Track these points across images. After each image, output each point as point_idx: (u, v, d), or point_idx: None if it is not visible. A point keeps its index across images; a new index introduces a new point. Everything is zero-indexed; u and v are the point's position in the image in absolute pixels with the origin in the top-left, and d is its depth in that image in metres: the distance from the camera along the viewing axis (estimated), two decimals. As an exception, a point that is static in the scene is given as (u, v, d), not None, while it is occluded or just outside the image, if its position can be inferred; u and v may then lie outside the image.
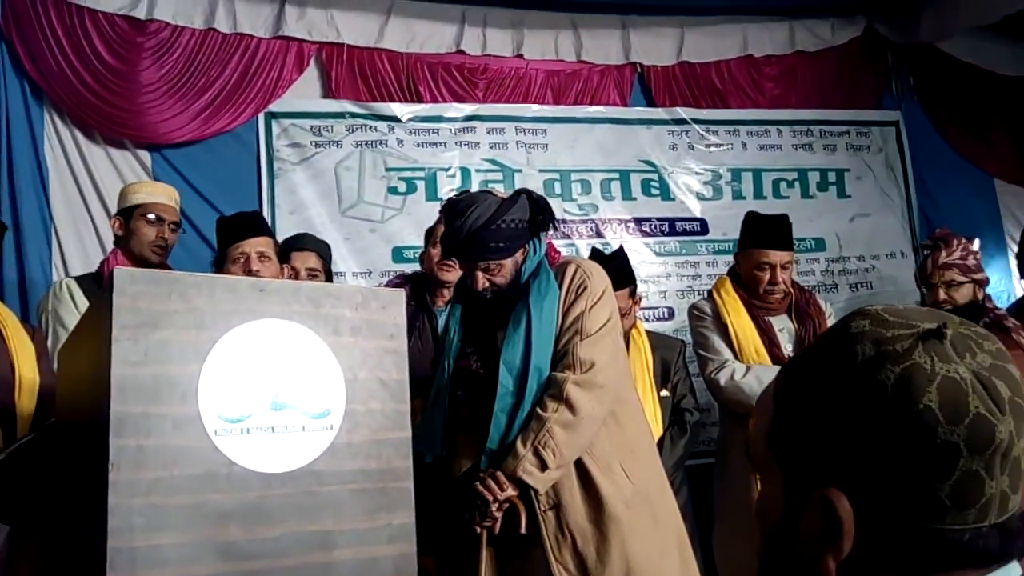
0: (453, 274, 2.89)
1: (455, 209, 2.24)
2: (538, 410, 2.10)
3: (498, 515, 2.09)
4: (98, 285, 2.80)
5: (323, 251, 3.10)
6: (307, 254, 3.02)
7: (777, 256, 3.09)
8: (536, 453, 2.05)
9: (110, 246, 3.63)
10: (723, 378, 3.01)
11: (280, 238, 3.77)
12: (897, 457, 0.71)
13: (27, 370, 2.28)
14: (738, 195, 4.75)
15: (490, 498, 2.07)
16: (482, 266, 2.22)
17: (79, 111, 3.94)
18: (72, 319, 2.66)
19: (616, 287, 3.02)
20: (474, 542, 2.12)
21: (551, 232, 2.37)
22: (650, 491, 2.20)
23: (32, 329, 2.47)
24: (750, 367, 3.00)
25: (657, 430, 2.91)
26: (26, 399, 2.25)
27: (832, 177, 4.89)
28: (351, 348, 1.67)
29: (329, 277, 3.08)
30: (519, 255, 2.25)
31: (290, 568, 1.51)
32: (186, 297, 1.52)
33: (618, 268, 3.16)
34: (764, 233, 3.13)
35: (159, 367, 1.46)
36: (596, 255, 3.32)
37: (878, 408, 0.72)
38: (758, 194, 4.77)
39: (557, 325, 2.18)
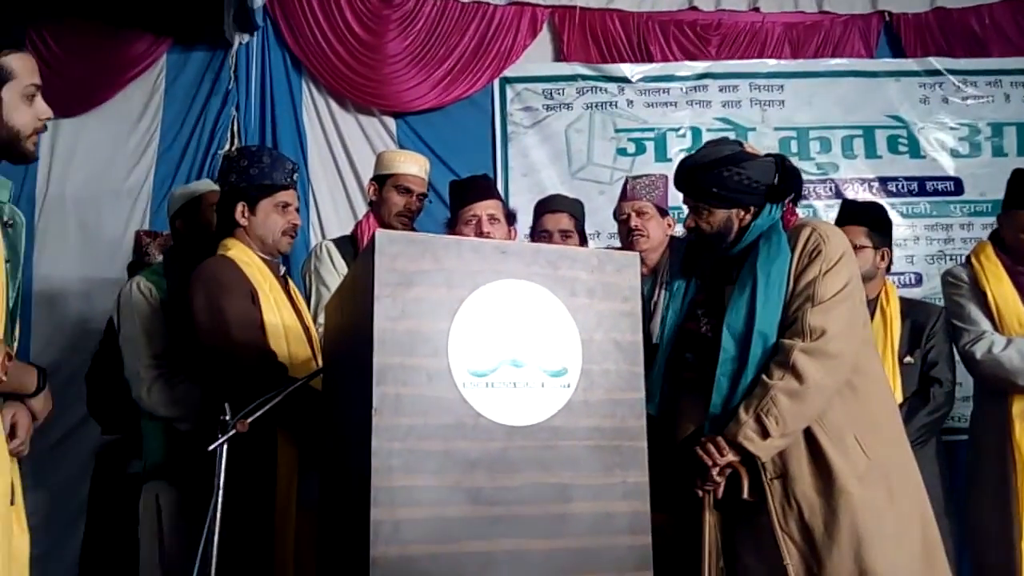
0: (645, 243, 2.87)
1: (702, 145, 2.27)
2: (763, 377, 2.06)
3: (719, 480, 2.08)
4: (353, 247, 3.03)
5: (576, 211, 3.16)
6: (559, 215, 3.09)
7: None
8: (758, 420, 2.02)
9: (360, 209, 3.93)
10: (980, 351, 2.79)
11: (512, 201, 3.93)
12: None
13: (312, 328, 2.55)
14: (999, 151, 4.35)
15: (710, 462, 2.07)
16: (691, 204, 2.24)
17: (333, 82, 4.26)
18: (332, 278, 2.90)
19: (873, 236, 2.92)
20: (698, 505, 2.13)
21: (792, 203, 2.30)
22: (889, 467, 2.10)
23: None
24: (1011, 340, 2.77)
25: (896, 398, 2.75)
26: (317, 348, 2.50)
27: (1111, 129, 4.36)
28: (587, 309, 1.72)
29: (583, 237, 3.14)
30: (737, 212, 2.20)
31: (530, 517, 1.60)
32: (437, 257, 1.63)
33: (872, 213, 3.02)
34: None
35: (414, 322, 1.58)
36: (849, 205, 3.17)
37: None
38: (1022, 150, 4.34)
39: (787, 290, 2.12)
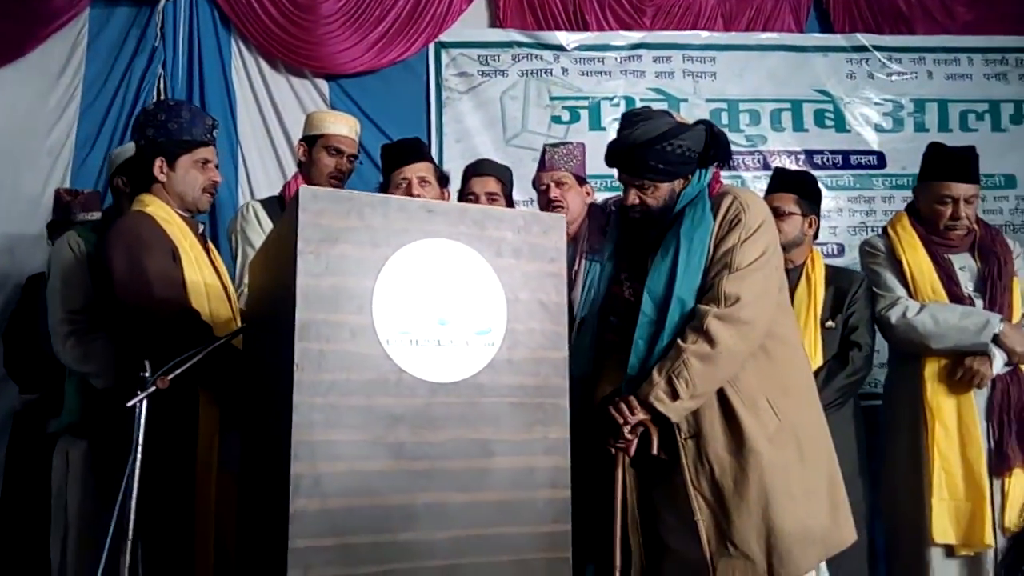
0: (565, 215, 2.86)
1: (627, 119, 2.26)
2: (678, 341, 2.11)
3: (630, 438, 2.14)
4: (281, 207, 2.99)
5: (503, 175, 3.16)
6: (486, 179, 3.08)
7: (960, 189, 2.91)
8: (669, 382, 2.07)
9: (290, 170, 3.88)
10: (895, 315, 2.89)
11: (446, 167, 3.91)
12: None
13: (231, 287, 2.53)
14: (920, 127, 4.47)
15: (621, 421, 2.12)
16: (636, 183, 2.24)
17: (264, 42, 4.17)
18: (258, 238, 2.87)
19: (802, 204, 2.98)
20: (612, 463, 2.18)
21: (718, 167, 2.34)
22: (799, 429, 2.16)
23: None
24: (924, 305, 2.87)
25: (816, 362, 2.84)
26: (236, 308, 2.49)
27: (1028, 110, 4.52)
28: (513, 270, 1.74)
29: (510, 202, 3.14)
30: (678, 183, 2.24)
31: (452, 471, 1.62)
32: (363, 215, 1.63)
33: (804, 182, 3.09)
34: (947, 165, 2.95)
35: (338, 279, 1.58)
36: (780, 172, 3.24)
37: None
38: (943, 126, 4.48)
39: (707, 257, 2.17)
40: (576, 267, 2.75)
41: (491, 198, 3.01)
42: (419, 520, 1.58)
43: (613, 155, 2.29)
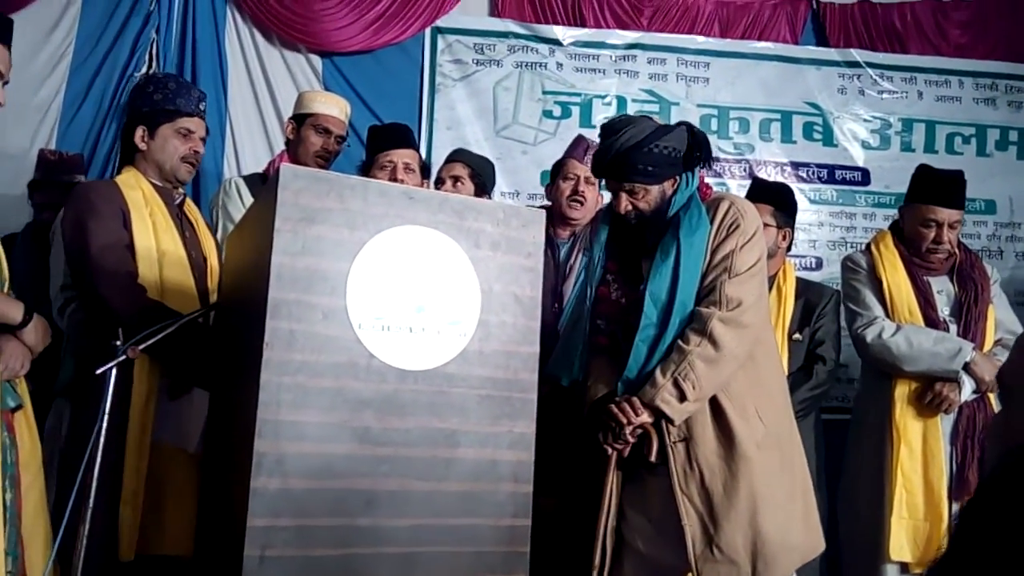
0: (580, 211, 2.92)
1: (610, 128, 2.25)
2: (680, 342, 2.11)
3: (631, 439, 2.13)
4: (263, 184, 2.98)
5: (476, 164, 3.18)
6: (453, 164, 3.13)
7: (946, 214, 2.93)
8: (676, 384, 2.08)
9: (277, 146, 3.86)
10: (870, 335, 2.91)
11: (435, 154, 3.91)
12: None
13: (213, 259, 2.53)
14: (907, 147, 4.49)
15: (624, 421, 2.11)
16: (627, 187, 2.23)
17: (260, 14, 4.14)
18: (239, 215, 2.85)
19: (777, 216, 3.01)
20: (603, 465, 2.19)
21: (704, 170, 2.35)
22: (781, 434, 2.20)
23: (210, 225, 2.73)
24: (900, 326, 2.89)
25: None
26: (214, 285, 2.48)
27: (1014, 136, 4.54)
28: (489, 261, 1.75)
29: (480, 190, 3.14)
30: (667, 185, 2.24)
31: (416, 458, 1.63)
32: (342, 197, 1.63)
33: (781, 196, 3.11)
34: (935, 188, 2.97)
35: (314, 260, 1.58)
36: (759, 183, 3.25)
37: None
38: (929, 147, 4.50)
39: (705, 261, 2.19)
40: (572, 260, 2.78)
41: (455, 181, 3.04)
42: (380, 506, 1.58)
43: (600, 164, 2.28)
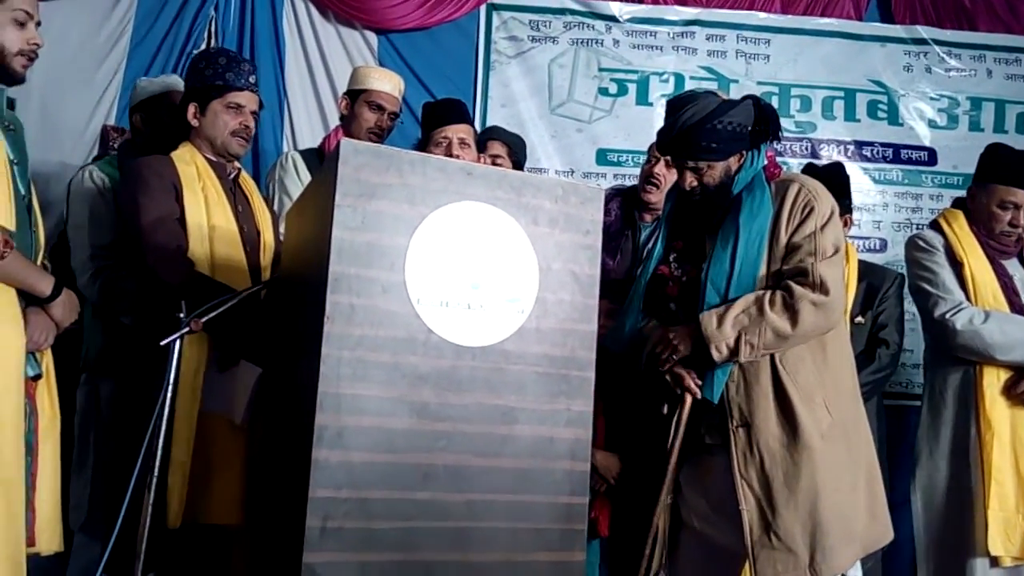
0: (655, 195, 2.88)
1: (674, 105, 2.24)
2: (767, 304, 2.10)
3: (678, 371, 2.18)
4: (319, 160, 3.00)
5: (511, 141, 3.17)
6: (492, 143, 3.12)
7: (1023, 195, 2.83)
8: (737, 340, 2.08)
9: (333, 121, 3.87)
10: (960, 321, 2.75)
11: (487, 130, 3.89)
12: None
13: (267, 233, 2.55)
14: (975, 126, 4.36)
15: (669, 349, 2.17)
16: (691, 165, 2.21)
17: (317, -10, 4.16)
18: (295, 189, 2.88)
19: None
20: (663, 423, 2.22)
21: (773, 146, 2.31)
22: (847, 424, 2.17)
23: (267, 199, 2.74)
24: (989, 313, 2.76)
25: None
26: (267, 259, 2.51)
27: (1085, 116, 4.39)
28: (547, 238, 1.73)
29: (517, 168, 3.13)
30: (733, 161, 2.22)
31: (473, 435, 1.63)
32: (402, 172, 1.62)
33: (833, 180, 3.01)
34: (1012, 169, 2.84)
35: (373, 235, 1.58)
36: (809, 169, 3.18)
37: None
38: (998, 127, 4.36)
39: (767, 245, 2.17)
40: (651, 245, 2.77)
41: (494, 159, 3.05)
42: (437, 480, 1.59)
43: (664, 141, 2.26)
